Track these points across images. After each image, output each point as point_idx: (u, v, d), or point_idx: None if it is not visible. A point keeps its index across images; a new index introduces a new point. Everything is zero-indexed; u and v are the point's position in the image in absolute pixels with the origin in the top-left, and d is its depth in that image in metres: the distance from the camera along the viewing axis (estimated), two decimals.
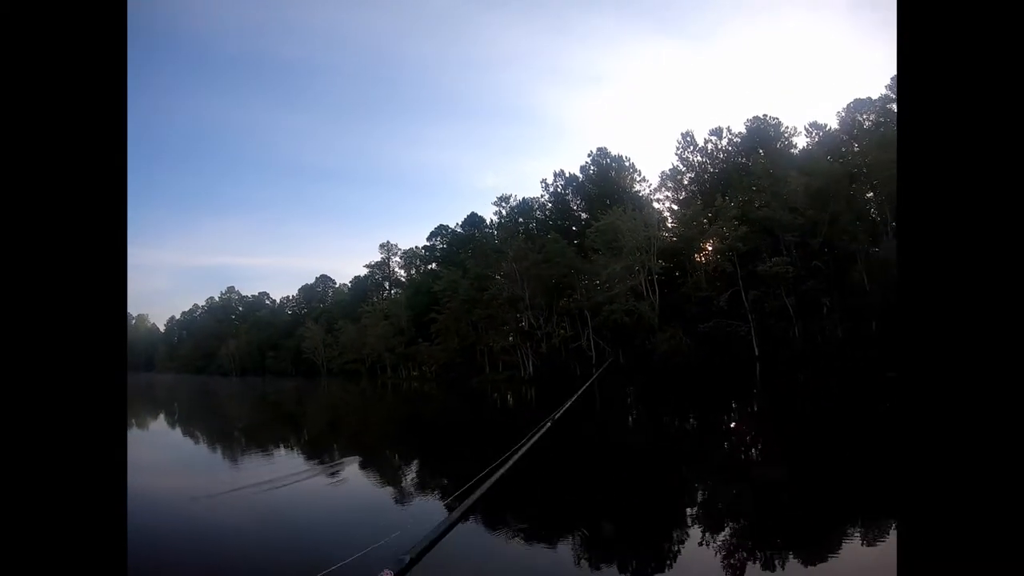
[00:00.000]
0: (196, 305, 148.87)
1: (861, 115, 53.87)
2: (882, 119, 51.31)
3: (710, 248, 47.32)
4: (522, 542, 10.31)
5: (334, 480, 16.23)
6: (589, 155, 63.92)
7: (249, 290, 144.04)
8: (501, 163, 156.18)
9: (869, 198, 44.08)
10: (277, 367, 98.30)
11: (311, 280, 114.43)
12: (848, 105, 55.13)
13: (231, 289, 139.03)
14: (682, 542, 9.92)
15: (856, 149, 48.88)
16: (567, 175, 65.43)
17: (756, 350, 40.71)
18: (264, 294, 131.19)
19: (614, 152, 63.05)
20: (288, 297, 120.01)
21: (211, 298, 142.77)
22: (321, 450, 22.55)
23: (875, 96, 53.61)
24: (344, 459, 19.68)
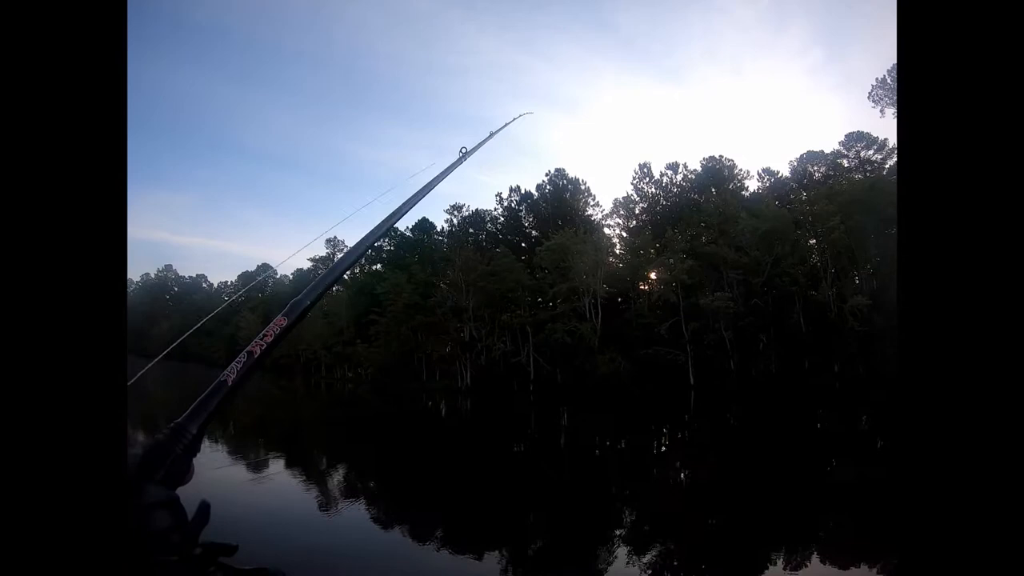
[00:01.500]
0: (130, 280, 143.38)
1: (812, 166, 55.93)
2: (831, 172, 53.33)
3: (655, 278, 48.03)
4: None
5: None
6: (546, 174, 64.41)
7: (187, 271, 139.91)
8: (457, 171, 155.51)
9: (812, 244, 45.53)
10: (209, 354, 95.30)
11: (251, 267, 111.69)
12: (801, 156, 57.30)
13: (168, 267, 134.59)
14: None
15: (804, 197, 50.52)
16: (522, 191, 65.77)
17: (692, 379, 41.46)
18: (202, 276, 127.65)
19: (571, 174, 63.75)
20: (227, 282, 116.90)
21: (146, 274, 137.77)
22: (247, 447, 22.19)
23: (827, 150, 55.78)
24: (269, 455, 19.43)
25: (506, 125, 2.76)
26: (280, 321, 1.23)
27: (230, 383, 1.10)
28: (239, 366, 1.13)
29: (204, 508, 0.89)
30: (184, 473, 0.94)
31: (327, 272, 1.45)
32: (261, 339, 1.18)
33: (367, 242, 1.59)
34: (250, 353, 1.14)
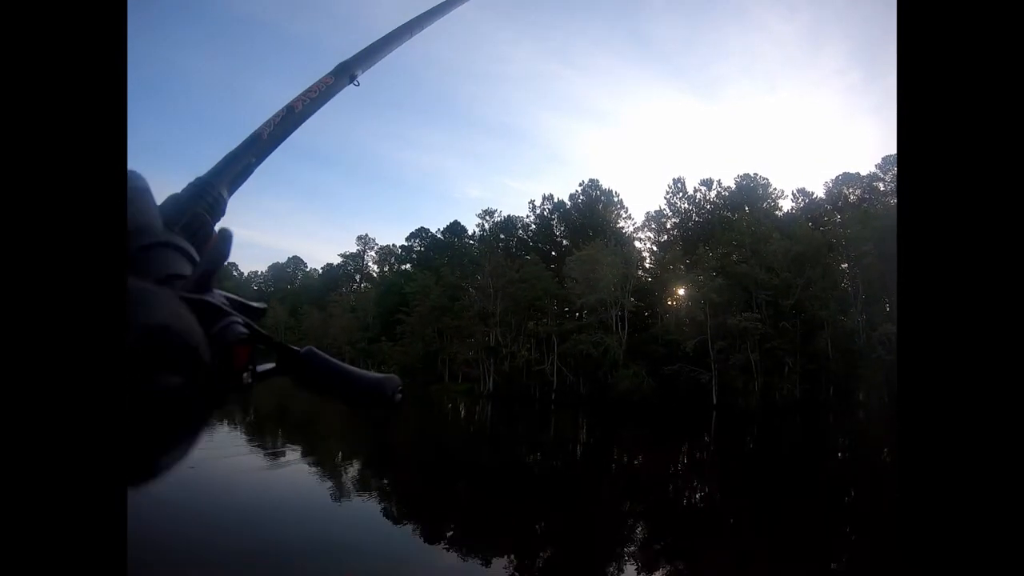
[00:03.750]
0: None
1: (847, 188, 55.55)
2: (866, 195, 52.85)
3: (683, 294, 47.88)
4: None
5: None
6: (580, 184, 64.64)
7: None
8: (489, 177, 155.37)
9: (843, 269, 45.13)
10: None
11: (280, 259, 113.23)
12: (836, 177, 56.97)
13: None
14: None
15: (838, 220, 50.12)
16: (555, 200, 66.02)
17: (715, 399, 41.30)
18: (232, 265, 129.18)
19: (605, 186, 63.85)
20: (256, 272, 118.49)
21: None
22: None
23: (864, 173, 55.29)
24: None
25: None
26: (327, 79, 1.12)
27: (265, 136, 0.96)
28: (277, 119, 0.99)
29: (224, 237, 0.70)
30: (206, 237, 0.78)
31: (383, 39, 1.27)
32: (304, 95, 1.06)
33: (413, 27, 1.41)
34: (290, 108, 1.01)
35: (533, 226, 67.00)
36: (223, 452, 16.58)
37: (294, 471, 16.63)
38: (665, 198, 62.51)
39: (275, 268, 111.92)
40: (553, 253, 61.17)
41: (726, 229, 52.08)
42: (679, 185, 61.93)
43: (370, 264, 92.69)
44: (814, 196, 57.49)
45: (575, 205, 63.77)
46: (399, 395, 0.76)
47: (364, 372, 0.76)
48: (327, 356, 0.74)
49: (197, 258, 0.70)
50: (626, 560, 11.21)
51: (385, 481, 16.86)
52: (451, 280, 57.35)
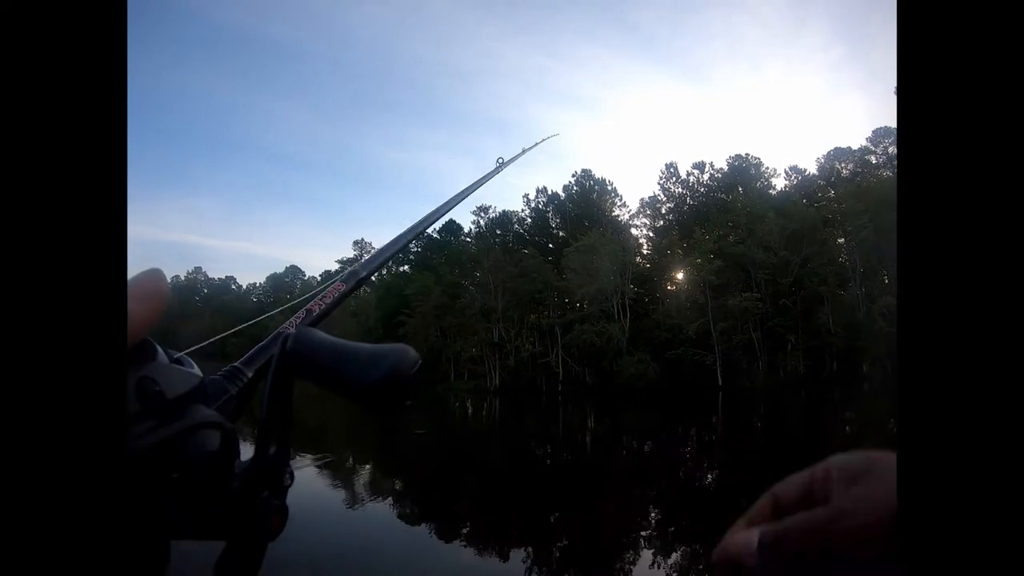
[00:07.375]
0: None
1: (839, 163, 55.63)
2: (859, 169, 53.01)
3: (682, 278, 48.06)
4: None
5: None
6: (573, 175, 64.61)
7: (216, 273, 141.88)
8: (482, 173, 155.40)
9: (840, 243, 45.34)
10: (238, 354, 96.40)
11: (279, 269, 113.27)
12: (828, 153, 57.04)
13: (198, 270, 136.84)
14: None
15: (832, 195, 50.30)
16: (549, 192, 66.05)
17: (720, 380, 41.52)
18: (231, 278, 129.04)
19: (597, 175, 63.91)
20: (255, 284, 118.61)
21: (176, 277, 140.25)
22: None
23: (855, 147, 55.43)
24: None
25: (536, 144, 2.89)
26: (339, 286, 1.20)
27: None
28: (297, 321, 1.07)
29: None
30: (237, 416, 0.78)
31: (382, 248, 1.46)
32: (321, 298, 1.15)
33: (408, 235, 1.55)
34: (308, 310, 1.10)
35: (529, 220, 67.05)
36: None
37: (302, 475, 16.76)
38: (659, 183, 62.57)
39: (273, 278, 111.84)
40: (550, 245, 61.21)
41: (721, 211, 52.26)
42: (672, 170, 62.02)
43: None
44: (807, 173, 57.57)
45: (569, 196, 63.79)
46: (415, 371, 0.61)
47: (363, 347, 0.64)
48: (322, 337, 0.64)
49: (235, 434, 0.60)
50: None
51: (396, 484, 17.02)
52: (450, 279, 57.42)
